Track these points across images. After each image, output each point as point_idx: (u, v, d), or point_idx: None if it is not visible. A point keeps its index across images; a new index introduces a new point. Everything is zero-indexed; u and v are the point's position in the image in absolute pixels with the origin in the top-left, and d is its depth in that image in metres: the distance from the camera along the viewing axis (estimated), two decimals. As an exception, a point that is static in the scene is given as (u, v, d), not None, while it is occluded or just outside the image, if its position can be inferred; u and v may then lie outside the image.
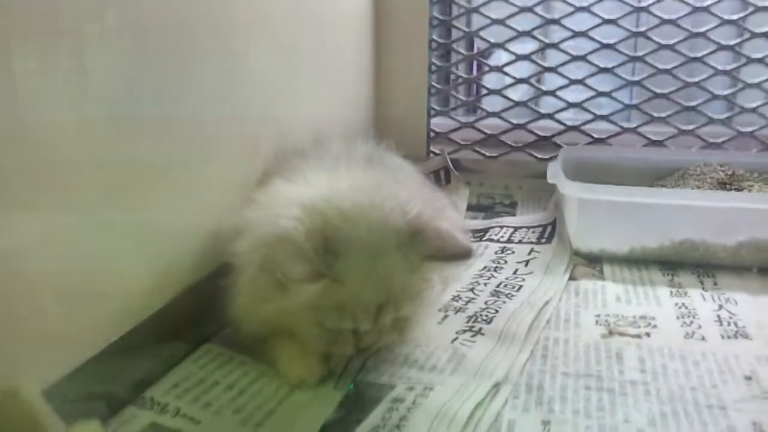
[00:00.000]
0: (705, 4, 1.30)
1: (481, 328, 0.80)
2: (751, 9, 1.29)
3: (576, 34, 1.36)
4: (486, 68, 1.48)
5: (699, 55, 1.32)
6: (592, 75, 1.38)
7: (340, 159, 0.79)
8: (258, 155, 0.88)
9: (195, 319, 0.75)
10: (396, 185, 0.73)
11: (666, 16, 1.32)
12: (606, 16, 1.34)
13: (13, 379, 0.35)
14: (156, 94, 0.69)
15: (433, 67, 1.44)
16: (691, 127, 1.36)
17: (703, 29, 1.31)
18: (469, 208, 1.30)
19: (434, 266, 0.71)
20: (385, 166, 0.85)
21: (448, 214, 0.91)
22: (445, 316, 0.84)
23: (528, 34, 1.38)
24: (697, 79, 1.34)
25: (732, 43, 1.32)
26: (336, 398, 0.66)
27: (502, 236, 1.13)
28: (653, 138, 1.38)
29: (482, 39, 1.42)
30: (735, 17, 1.30)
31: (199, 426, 0.61)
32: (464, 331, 0.79)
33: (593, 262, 1.02)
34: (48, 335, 0.57)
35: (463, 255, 0.69)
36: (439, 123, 1.48)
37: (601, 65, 1.36)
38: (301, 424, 0.62)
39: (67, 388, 0.58)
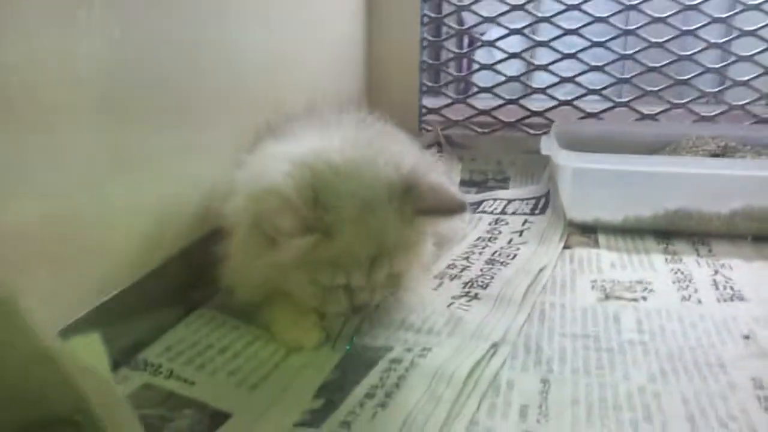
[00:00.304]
0: (697, -24, 1.30)
1: (477, 293, 0.79)
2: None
3: (568, 8, 1.35)
4: (478, 43, 1.47)
5: (691, 27, 1.32)
6: (584, 49, 1.37)
7: (332, 121, 0.78)
8: (251, 127, 0.86)
9: (187, 283, 0.74)
10: (389, 141, 0.72)
11: (658, -10, 1.31)
12: (598, -10, 1.33)
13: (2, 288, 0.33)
14: (150, 69, 0.68)
15: (425, 43, 1.42)
16: (683, 101, 1.36)
17: (695, 2, 1.31)
18: (462, 183, 1.29)
19: (428, 220, 0.69)
20: (377, 130, 0.84)
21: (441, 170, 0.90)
22: (441, 283, 0.83)
23: (520, 8, 1.37)
24: (689, 52, 1.33)
25: (724, 15, 1.31)
26: (333, 360, 0.65)
27: (496, 208, 1.13)
28: (645, 112, 1.37)
29: (474, 13, 1.41)
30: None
31: (193, 387, 0.59)
32: (460, 296, 0.79)
33: (587, 232, 1.02)
34: (38, 294, 0.55)
35: (456, 209, 0.68)
36: (431, 99, 1.46)
37: (594, 39, 1.36)
38: (298, 385, 0.61)
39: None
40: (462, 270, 0.87)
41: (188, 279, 0.74)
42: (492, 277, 0.84)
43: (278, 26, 0.97)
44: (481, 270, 0.87)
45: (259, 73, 0.91)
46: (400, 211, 0.65)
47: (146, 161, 0.68)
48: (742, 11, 1.31)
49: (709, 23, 1.31)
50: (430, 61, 1.45)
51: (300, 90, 1.04)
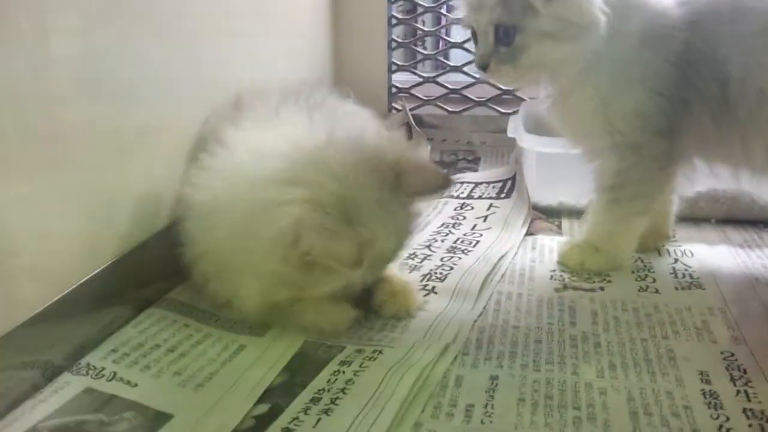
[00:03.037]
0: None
1: (434, 287, 0.79)
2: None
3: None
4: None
5: None
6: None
7: (307, 106, 0.76)
8: (205, 110, 0.84)
9: (139, 281, 0.72)
10: (362, 124, 0.74)
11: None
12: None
13: None
14: (112, 58, 0.67)
15: (394, 21, 1.40)
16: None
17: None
18: (432, 164, 1.28)
19: (421, 200, 0.71)
20: (333, 110, 0.81)
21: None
22: (400, 275, 0.82)
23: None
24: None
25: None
26: (282, 361, 0.64)
27: (462, 192, 1.12)
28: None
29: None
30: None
31: (135, 389, 0.59)
32: (418, 291, 0.78)
33: (552, 216, 1.01)
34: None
35: (444, 184, 0.69)
36: (402, 78, 1.44)
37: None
38: (243, 385, 0.60)
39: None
40: (423, 260, 0.86)
41: (140, 276, 0.73)
42: (451, 268, 0.84)
43: (238, 11, 0.94)
44: (442, 260, 0.86)
45: (216, 66, 0.88)
46: (400, 198, 0.66)
47: (84, 154, 0.65)
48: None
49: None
50: (399, 40, 1.42)
51: (258, 67, 1.02)
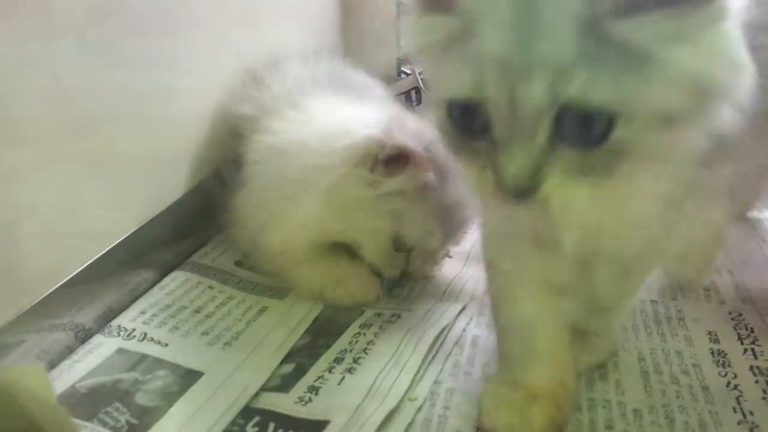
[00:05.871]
0: None
1: (449, 251, 0.80)
2: None
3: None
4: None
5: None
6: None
7: (305, 83, 0.78)
8: (222, 82, 0.85)
9: (163, 245, 0.74)
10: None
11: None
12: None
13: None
14: (123, 22, 0.67)
15: (403, -17, 1.39)
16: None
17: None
18: (441, 129, 1.28)
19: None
20: (351, 86, 0.83)
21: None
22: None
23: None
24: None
25: None
26: (304, 323, 0.66)
27: (472, 157, 1.12)
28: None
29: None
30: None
31: (166, 348, 0.61)
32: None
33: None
34: (11, 265, 0.56)
35: None
36: (411, 42, 1.43)
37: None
38: (269, 344, 0.63)
39: (31, 320, 0.58)
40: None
41: (164, 241, 0.75)
42: (465, 232, 0.85)
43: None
44: (455, 224, 0.88)
45: (225, 28, 0.88)
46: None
47: (104, 119, 0.66)
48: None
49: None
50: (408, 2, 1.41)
51: (269, 41, 1.02)
